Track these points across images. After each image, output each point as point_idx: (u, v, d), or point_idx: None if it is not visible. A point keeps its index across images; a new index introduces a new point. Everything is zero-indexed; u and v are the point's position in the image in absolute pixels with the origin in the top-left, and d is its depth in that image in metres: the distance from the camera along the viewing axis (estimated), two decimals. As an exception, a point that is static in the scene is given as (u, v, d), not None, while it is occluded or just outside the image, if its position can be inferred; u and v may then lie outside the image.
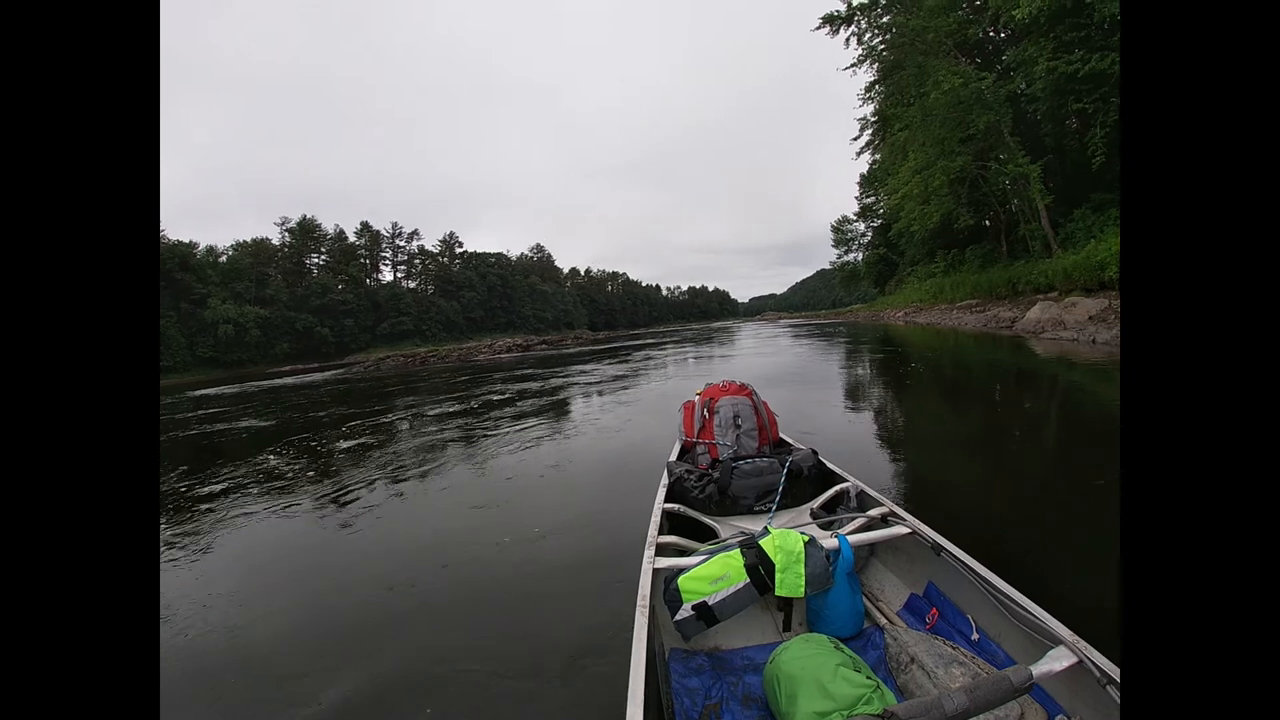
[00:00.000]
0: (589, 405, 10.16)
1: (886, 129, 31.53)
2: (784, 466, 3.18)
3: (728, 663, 2.20)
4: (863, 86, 34.52)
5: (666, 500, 3.12)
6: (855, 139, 43.41)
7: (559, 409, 9.82)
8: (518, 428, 8.22)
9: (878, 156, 52.15)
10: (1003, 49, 28.78)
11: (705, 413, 3.80)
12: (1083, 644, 1.61)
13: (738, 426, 3.67)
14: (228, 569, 4.04)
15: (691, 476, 3.25)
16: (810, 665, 1.73)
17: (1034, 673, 1.48)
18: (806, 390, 9.88)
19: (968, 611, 2.18)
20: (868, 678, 1.68)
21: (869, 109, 37.02)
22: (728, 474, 3.18)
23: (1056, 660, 1.59)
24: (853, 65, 29.17)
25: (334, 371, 34.75)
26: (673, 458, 3.86)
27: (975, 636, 2.09)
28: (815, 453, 3.37)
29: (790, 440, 3.93)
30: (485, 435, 7.94)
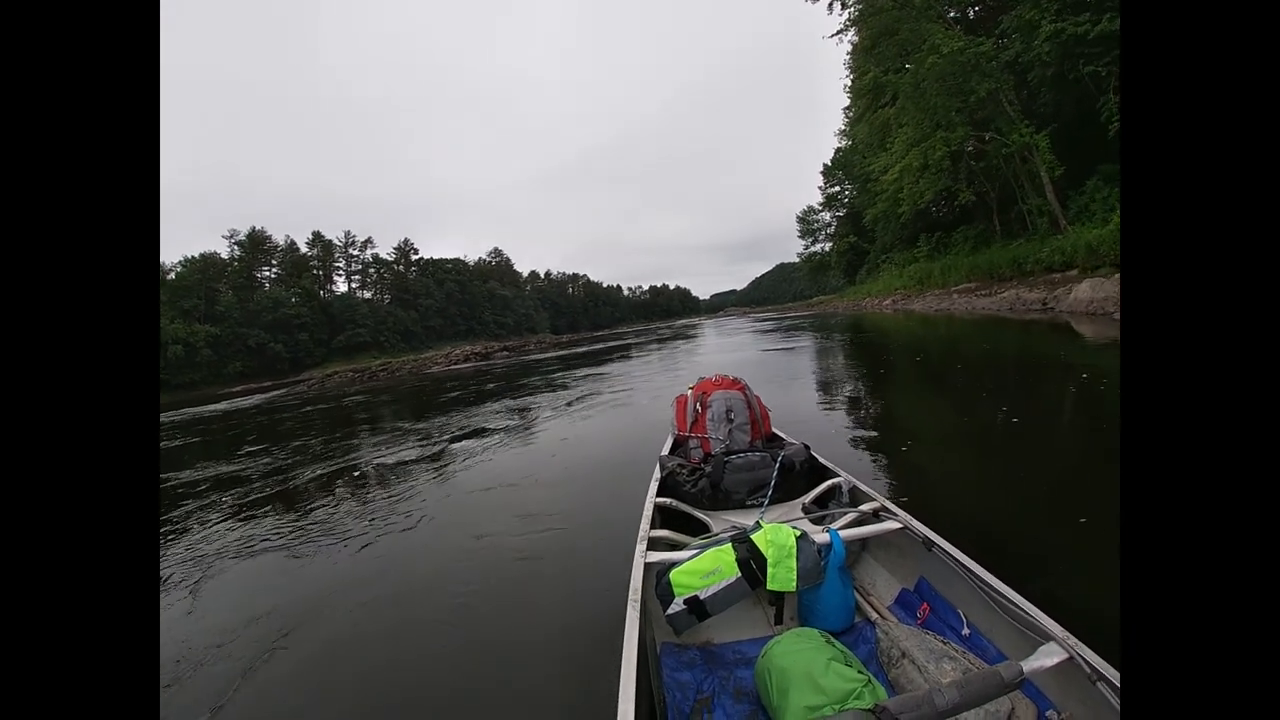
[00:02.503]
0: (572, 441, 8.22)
1: (874, 103, 29.07)
2: (776, 461, 3.20)
3: (719, 657, 2.25)
4: (846, 53, 34.72)
5: (658, 494, 3.18)
6: (848, 107, 44.59)
7: (533, 452, 7.64)
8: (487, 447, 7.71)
9: (844, 144, 51.73)
10: (974, 24, 28.08)
11: (698, 406, 3.81)
12: (1073, 640, 1.63)
13: (730, 420, 3.67)
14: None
15: (684, 470, 3.30)
16: (802, 659, 1.75)
17: (1025, 668, 1.50)
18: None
19: (959, 607, 2.20)
20: (859, 672, 1.70)
21: (848, 81, 35.46)
22: (720, 468, 3.20)
23: (1047, 656, 1.61)
24: (838, 32, 28.61)
25: (278, 392, 33.00)
26: (665, 451, 3.90)
27: (966, 632, 2.11)
28: (808, 447, 3.40)
29: (782, 435, 3.98)
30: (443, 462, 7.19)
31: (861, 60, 28.58)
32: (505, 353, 42.64)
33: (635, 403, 9.96)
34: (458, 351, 49.47)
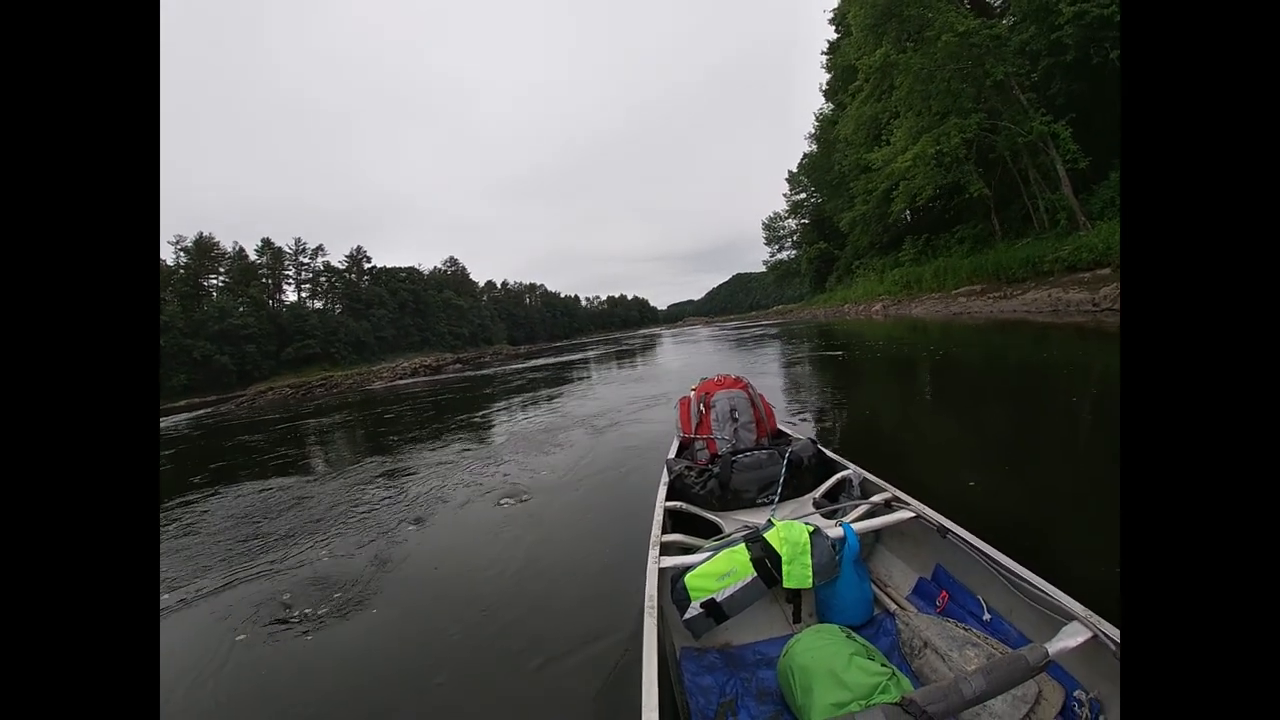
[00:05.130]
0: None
1: (880, 84, 26.96)
2: (784, 457, 3.12)
3: (740, 659, 2.21)
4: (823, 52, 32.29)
5: (668, 498, 3.11)
6: (819, 109, 45.94)
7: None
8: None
9: (811, 149, 50.47)
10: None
11: (701, 408, 3.71)
12: (1095, 618, 1.60)
13: (735, 420, 3.61)
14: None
15: (691, 473, 3.22)
16: (823, 656, 1.73)
17: (1049, 650, 1.48)
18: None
19: (977, 592, 2.18)
20: (882, 665, 1.70)
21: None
22: (728, 468, 3.11)
23: (1071, 636, 1.57)
24: (836, 10, 26.04)
25: (203, 411, 30.33)
26: (671, 455, 3.78)
27: (987, 617, 2.09)
28: (814, 441, 3.33)
29: (788, 430, 3.91)
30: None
31: (863, 39, 25.81)
32: (459, 365, 41.21)
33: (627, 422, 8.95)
34: (405, 365, 48.28)
